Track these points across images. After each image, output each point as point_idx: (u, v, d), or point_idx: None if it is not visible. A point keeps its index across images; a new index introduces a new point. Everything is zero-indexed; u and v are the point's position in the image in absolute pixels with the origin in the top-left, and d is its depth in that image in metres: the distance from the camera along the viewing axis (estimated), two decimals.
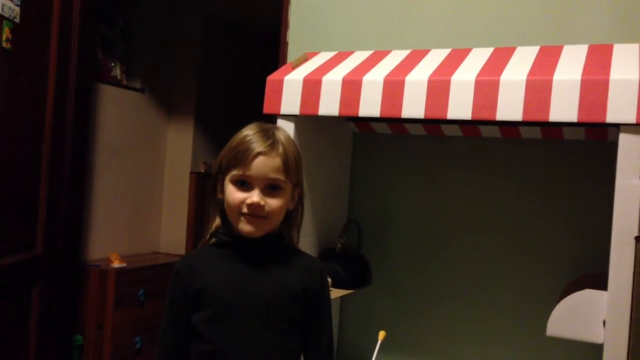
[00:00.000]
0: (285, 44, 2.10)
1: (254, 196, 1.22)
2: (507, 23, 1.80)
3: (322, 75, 1.58)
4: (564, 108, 1.30)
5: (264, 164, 1.23)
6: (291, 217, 1.33)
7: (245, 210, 1.23)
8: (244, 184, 1.24)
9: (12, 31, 2.17)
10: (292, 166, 1.27)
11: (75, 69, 2.68)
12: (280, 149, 1.25)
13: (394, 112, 1.48)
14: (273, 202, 1.24)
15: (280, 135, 1.28)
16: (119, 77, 3.41)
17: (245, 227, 1.24)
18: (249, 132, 1.26)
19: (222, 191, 1.29)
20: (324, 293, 1.34)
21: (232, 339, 1.22)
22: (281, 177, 1.25)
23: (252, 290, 1.25)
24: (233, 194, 1.24)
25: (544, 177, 1.75)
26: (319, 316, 1.32)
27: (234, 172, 1.24)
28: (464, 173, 1.85)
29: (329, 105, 1.55)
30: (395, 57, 1.66)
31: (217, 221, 1.33)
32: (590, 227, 1.67)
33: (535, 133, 1.68)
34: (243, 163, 1.23)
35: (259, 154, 1.22)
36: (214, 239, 1.32)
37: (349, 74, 1.56)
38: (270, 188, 1.24)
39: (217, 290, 1.24)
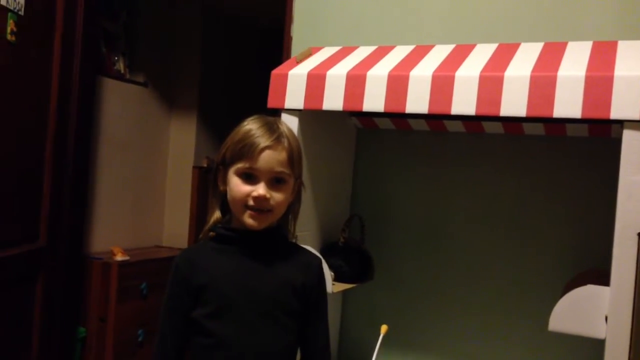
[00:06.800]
0: (290, 38, 2.11)
1: (260, 189, 1.23)
2: (511, 19, 1.80)
3: (326, 70, 1.58)
4: (568, 104, 1.30)
5: (270, 158, 1.23)
6: (289, 209, 1.34)
7: (251, 203, 1.23)
8: (250, 177, 1.24)
9: (16, 24, 2.18)
10: (296, 160, 1.28)
11: (79, 63, 2.68)
12: (286, 143, 1.26)
13: (398, 107, 1.48)
14: (278, 196, 1.25)
15: (284, 129, 1.29)
16: (122, 71, 3.41)
17: (249, 220, 1.25)
18: (253, 126, 1.26)
19: (224, 183, 1.29)
20: (322, 287, 1.37)
21: (235, 332, 1.23)
22: (286, 170, 1.26)
23: (254, 285, 1.25)
24: (239, 186, 1.24)
25: (546, 174, 1.76)
26: (318, 310, 1.34)
27: (240, 165, 1.24)
28: (467, 169, 1.85)
29: (333, 100, 1.55)
30: (399, 53, 1.66)
31: (217, 214, 1.33)
32: (593, 223, 1.68)
33: (539, 129, 1.68)
34: (249, 156, 1.23)
35: (266, 147, 1.23)
36: (212, 233, 1.32)
37: (353, 68, 1.56)
38: (275, 181, 1.25)
39: (219, 285, 1.25)
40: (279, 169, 1.24)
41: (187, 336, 1.27)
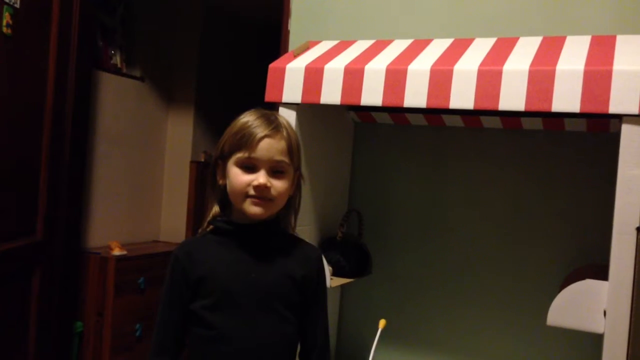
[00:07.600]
0: (287, 32, 2.10)
1: (261, 177, 1.23)
2: (510, 13, 1.80)
3: (324, 64, 1.57)
4: (566, 98, 1.29)
5: (269, 147, 1.23)
6: (289, 202, 1.34)
7: (251, 192, 1.23)
8: (249, 167, 1.24)
9: (12, 16, 2.17)
10: (295, 150, 1.28)
11: (75, 56, 2.67)
12: (284, 133, 1.26)
13: (396, 101, 1.47)
14: (279, 185, 1.25)
15: (282, 120, 1.29)
16: (118, 65, 3.40)
17: (251, 208, 1.24)
18: (250, 118, 1.26)
19: (223, 176, 1.29)
20: (322, 279, 1.37)
21: (235, 324, 1.23)
22: (286, 159, 1.26)
23: (253, 277, 1.25)
24: (239, 176, 1.24)
25: (545, 168, 1.75)
26: (317, 302, 1.34)
27: (239, 155, 1.24)
28: (465, 163, 1.85)
29: (331, 93, 1.54)
30: (397, 47, 1.65)
31: (215, 209, 1.33)
32: (592, 217, 1.68)
33: (537, 124, 1.68)
34: (248, 146, 1.23)
35: (265, 136, 1.23)
36: (211, 227, 1.32)
37: (351, 62, 1.56)
38: (275, 171, 1.25)
39: (219, 278, 1.25)
40: (279, 157, 1.24)
41: (185, 328, 1.27)
